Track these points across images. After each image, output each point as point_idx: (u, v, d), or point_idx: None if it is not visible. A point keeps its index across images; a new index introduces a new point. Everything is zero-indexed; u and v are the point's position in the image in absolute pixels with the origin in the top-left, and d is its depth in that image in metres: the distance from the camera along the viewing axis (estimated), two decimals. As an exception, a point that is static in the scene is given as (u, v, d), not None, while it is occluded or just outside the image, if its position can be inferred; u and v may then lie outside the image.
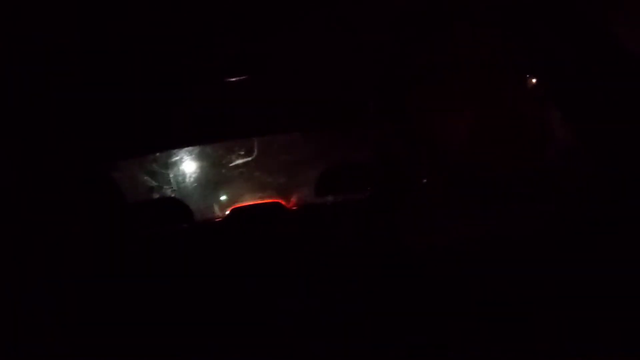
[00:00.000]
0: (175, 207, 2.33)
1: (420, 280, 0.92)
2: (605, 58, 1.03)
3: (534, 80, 1.37)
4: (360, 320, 0.70)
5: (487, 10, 0.97)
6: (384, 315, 0.78)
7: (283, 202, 3.09)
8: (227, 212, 2.85)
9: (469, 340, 0.64)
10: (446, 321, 0.82)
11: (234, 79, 1.68)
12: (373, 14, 1.05)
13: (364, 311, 0.73)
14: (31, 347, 0.85)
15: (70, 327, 0.91)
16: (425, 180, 1.62)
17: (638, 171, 1.03)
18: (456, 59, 1.26)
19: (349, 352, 0.72)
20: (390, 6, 1.10)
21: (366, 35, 1.16)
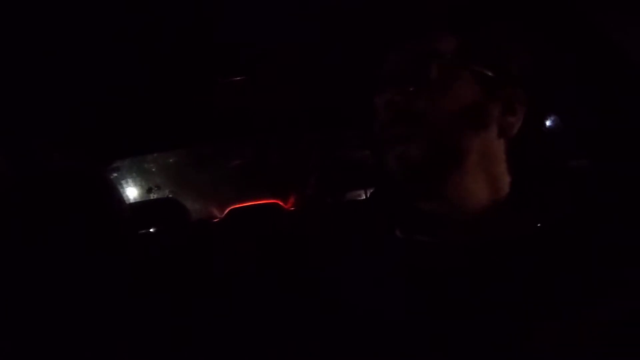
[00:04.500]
0: (173, 208, 2.32)
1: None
2: (605, 62, 1.03)
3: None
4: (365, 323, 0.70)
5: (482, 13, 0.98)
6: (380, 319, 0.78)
7: (281, 203, 3.09)
8: (225, 213, 2.85)
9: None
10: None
11: (230, 80, 1.67)
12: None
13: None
14: (30, 347, 0.85)
15: (69, 329, 0.90)
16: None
17: (636, 174, 1.03)
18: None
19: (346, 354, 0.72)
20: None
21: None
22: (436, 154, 0.65)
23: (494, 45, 0.70)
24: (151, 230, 2.20)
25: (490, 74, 0.68)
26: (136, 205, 2.78)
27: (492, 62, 0.69)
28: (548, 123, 1.23)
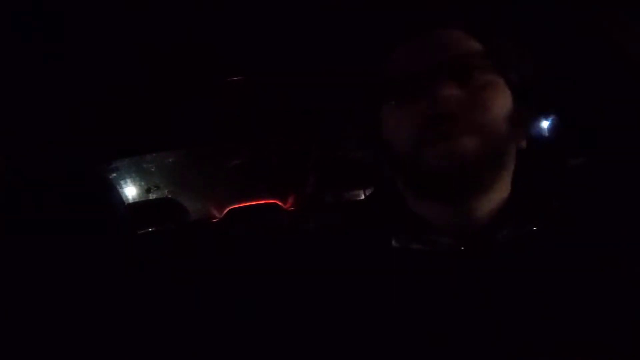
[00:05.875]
0: (172, 208, 2.32)
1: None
2: (605, 62, 1.03)
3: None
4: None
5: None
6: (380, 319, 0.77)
7: (280, 203, 3.09)
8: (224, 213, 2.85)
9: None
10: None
11: (228, 80, 1.67)
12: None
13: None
14: (30, 349, 0.85)
15: (68, 329, 0.90)
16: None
17: (636, 175, 1.04)
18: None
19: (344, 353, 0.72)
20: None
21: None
22: (485, 149, 0.62)
23: (507, 49, 0.68)
24: (150, 230, 2.20)
25: (515, 79, 0.65)
26: (135, 205, 2.77)
27: (511, 69, 0.67)
28: (548, 123, 1.23)
